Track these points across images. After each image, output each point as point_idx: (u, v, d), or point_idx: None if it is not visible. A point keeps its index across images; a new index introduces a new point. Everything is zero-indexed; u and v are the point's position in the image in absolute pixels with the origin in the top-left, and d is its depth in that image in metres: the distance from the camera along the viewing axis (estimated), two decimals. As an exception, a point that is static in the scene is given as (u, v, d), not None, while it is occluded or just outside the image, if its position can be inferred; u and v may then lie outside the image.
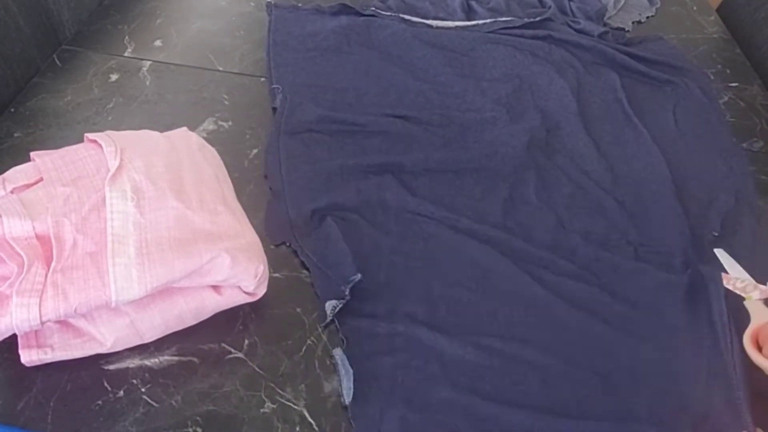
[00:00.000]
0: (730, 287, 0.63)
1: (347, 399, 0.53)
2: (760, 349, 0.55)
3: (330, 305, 0.57)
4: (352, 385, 0.53)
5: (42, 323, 0.47)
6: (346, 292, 0.58)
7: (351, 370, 0.54)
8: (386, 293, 0.60)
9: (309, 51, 0.88)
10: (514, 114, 0.82)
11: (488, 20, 0.97)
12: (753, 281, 0.63)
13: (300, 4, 0.95)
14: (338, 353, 0.55)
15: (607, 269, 0.65)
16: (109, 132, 0.58)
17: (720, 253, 0.68)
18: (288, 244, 0.64)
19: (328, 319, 0.57)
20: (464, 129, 0.79)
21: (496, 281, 0.63)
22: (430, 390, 0.54)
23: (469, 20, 0.98)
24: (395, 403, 0.53)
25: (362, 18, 0.94)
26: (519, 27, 0.96)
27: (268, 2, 0.95)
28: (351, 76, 0.85)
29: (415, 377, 0.55)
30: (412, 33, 0.92)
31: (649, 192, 0.74)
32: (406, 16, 0.96)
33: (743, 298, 0.61)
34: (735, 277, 0.64)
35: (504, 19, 0.97)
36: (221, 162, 0.64)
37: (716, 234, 0.71)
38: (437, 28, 0.95)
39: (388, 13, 0.96)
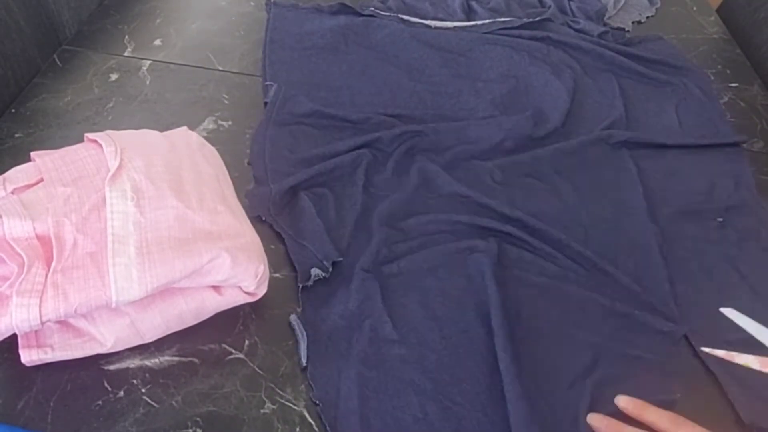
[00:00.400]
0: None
1: (303, 361, 0.54)
2: None
3: (315, 271, 0.60)
4: (306, 348, 0.55)
5: (42, 323, 0.47)
6: (329, 269, 0.60)
7: (305, 333, 0.56)
8: (346, 263, 0.62)
9: (305, 49, 0.88)
10: (508, 115, 0.82)
11: (487, 21, 0.97)
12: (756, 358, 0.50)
13: (300, 3, 0.96)
14: (293, 318, 0.57)
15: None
16: (109, 132, 0.58)
17: (729, 313, 0.55)
18: (263, 218, 0.65)
19: (309, 282, 0.59)
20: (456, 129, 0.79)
21: (456, 254, 0.64)
22: (383, 348, 0.56)
23: (469, 20, 0.98)
24: (351, 361, 0.55)
25: (361, 18, 0.94)
26: (517, 27, 0.96)
27: (268, 0, 0.95)
28: (346, 75, 0.85)
29: (368, 336, 0.57)
30: (409, 33, 0.92)
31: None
32: (405, 17, 0.96)
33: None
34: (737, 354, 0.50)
35: (503, 19, 0.97)
36: (221, 161, 0.64)
37: (721, 220, 0.72)
38: (435, 28, 0.95)
39: (387, 14, 0.96)
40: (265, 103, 0.79)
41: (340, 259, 0.61)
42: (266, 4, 0.95)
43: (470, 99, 0.83)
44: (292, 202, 0.67)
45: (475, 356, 0.57)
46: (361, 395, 0.53)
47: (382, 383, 0.54)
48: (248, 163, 0.71)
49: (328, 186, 0.69)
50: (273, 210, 0.65)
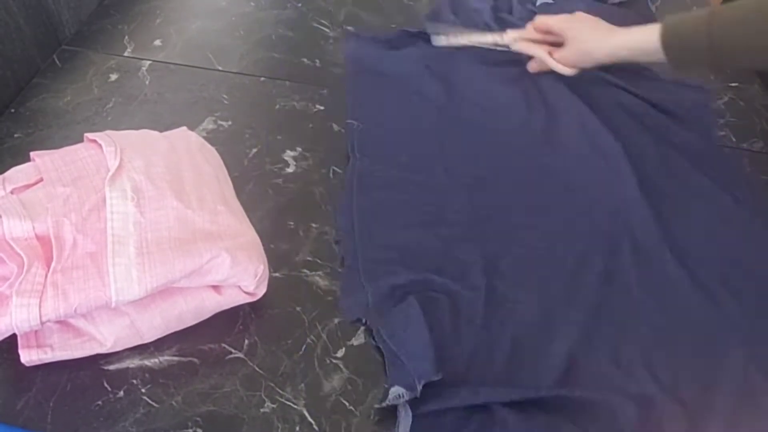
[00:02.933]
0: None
1: None
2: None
3: (395, 391, 0.52)
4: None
5: (42, 323, 0.47)
6: (419, 389, 0.51)
7: (410, 412, 0.51)
8: (465, 384, 0.55)
9: (385, 89, 0.84)
10: (603, 182, 0.75)
11: None
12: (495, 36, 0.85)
13: (378, 35, 0.91)
14: (402, 405, 0.52)
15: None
16: (108, 132, 0.58)
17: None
18: (365, 321, 0.59)
19: (386, 403, 0.52)
20: (547, 194, 0.73)
21: (582, 378, 0.58)
22: None
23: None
24: None
25: (437, 53, 0.88)
26: None
27: (348, 31, 0.93)
28: (430, 120, 0.80)
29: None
30: (487, 73, 0.86)
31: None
32: (475, 40, 0.88)
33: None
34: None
35: None
36: (221, 161, 0.64)
37: None
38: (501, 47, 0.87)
39: (460, 41, 0.88)
40: (352, 145, 0.75)
41: (438, 377, 0.52)
42: (346, 35, 0.92)
43: (546, 158, 0.77)
44: (398, 306, 0.59)
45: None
46: None
47: None
48: (336, 242, 0.65)
49: (443, 290, 0.61)
50: (373, 317, 0.59)
